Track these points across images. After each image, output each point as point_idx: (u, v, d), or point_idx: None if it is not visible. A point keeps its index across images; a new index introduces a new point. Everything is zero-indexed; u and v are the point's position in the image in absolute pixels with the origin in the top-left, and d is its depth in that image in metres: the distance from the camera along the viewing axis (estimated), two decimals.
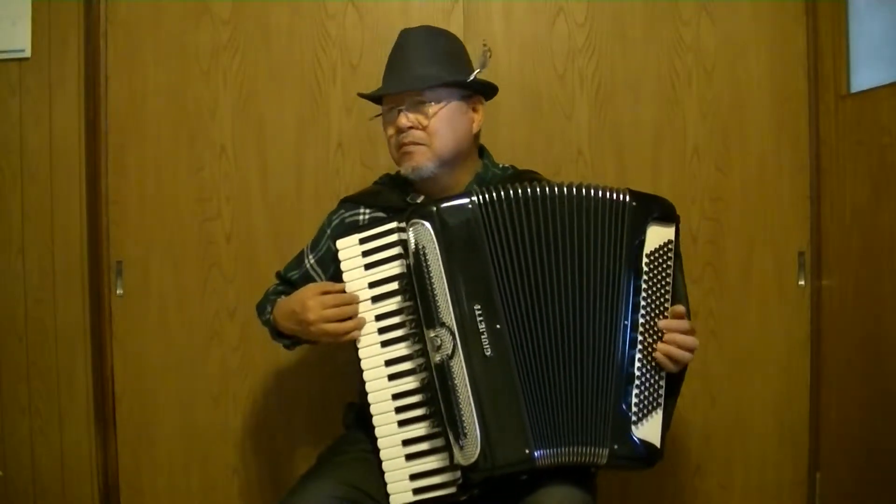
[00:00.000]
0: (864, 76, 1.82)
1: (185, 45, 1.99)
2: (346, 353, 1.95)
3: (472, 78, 1.48)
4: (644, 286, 1.31)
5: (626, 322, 1.29)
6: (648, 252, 1.32)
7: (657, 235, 1.33)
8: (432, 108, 1.45)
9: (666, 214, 1.35)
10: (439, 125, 1.45)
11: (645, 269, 1.31)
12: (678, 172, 1.98)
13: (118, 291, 2.01)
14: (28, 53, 1.93)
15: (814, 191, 1.96)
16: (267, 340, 1.95)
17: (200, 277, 2.00)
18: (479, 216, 1.30)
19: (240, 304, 2.00)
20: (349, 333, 1.36)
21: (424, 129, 1.45)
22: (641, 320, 1.30)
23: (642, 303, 1.30)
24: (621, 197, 1.32)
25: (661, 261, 1.32)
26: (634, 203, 1.32)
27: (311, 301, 1.38)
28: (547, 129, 1.98)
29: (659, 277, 1.32)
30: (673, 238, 1.34)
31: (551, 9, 1.98)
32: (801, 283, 1.97)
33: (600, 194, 1.32)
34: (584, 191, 1.32)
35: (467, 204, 1.30)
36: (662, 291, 1.32)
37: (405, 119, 1.46)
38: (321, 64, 1.99)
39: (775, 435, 1.99)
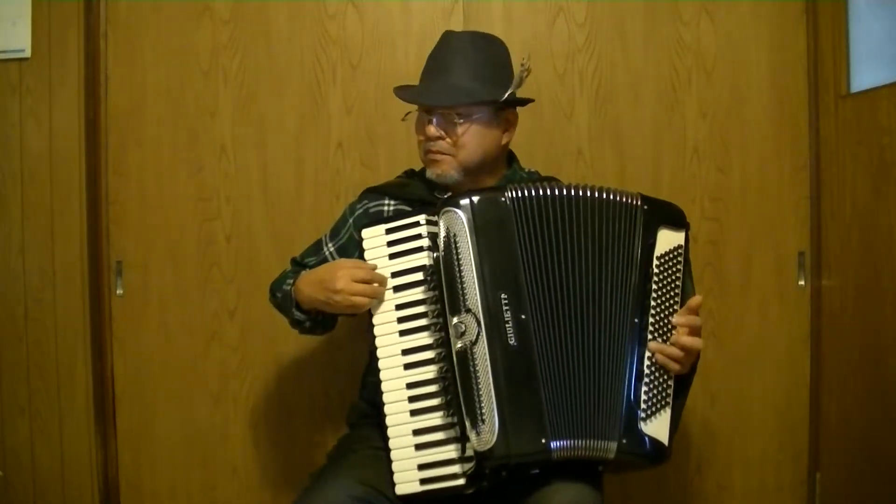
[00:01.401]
0: (864, 76, 1.82)
1: (185, 45, 1.98)
2: (347, 354, 1.97)
3: (505, 97, 1.47)
4: (654, 287, 1.33)
5: (636, 320, 1.32)
6: (659, 255, 1.35)
7: (667, 240, 1.36)
8: (462, 125, 1.46)
9: (676, 220, 1.39)
10: (467, 140, 1.47)
11: (655, 270, 1.34)
12: (678, 172, 1.98)
13: (118, 291, 2.01)
14: (28, 53, 1.93)
15: (814, 191, 1.96)
16: (267, 340, 1.97)
17: (200, 277, 2.00)
18: (511, 209, 1.32)
19: (240, 304, 2.00)
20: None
21: (452, 141, 1.47)
22: (651, 320, 1.32)
23: (652, 303, 1.33)
24: (633, 201, 1.36)
25: (670, 264, 1.35)
26: (646, 207, 1.36)
27: (342, 271, 1.39)
28: (547, 129, 1.98)
29: (668, 280, 1.35)
30: (683, 243, 1.38)
31: (551, 9, 1.98)
32: (801, 283, 1.97)
33: (615, 197, 1.35)
34: (602, 194, 1.35)
35: (499, 196, 1.33)
36: (672, 293, 1.35)
37: (433, 129, 1.47)
38: (321, 64, 1.99)
39: (775, 435, 1.99)
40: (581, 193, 1.34)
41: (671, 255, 1.36)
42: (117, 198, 2.01)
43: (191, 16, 1.98)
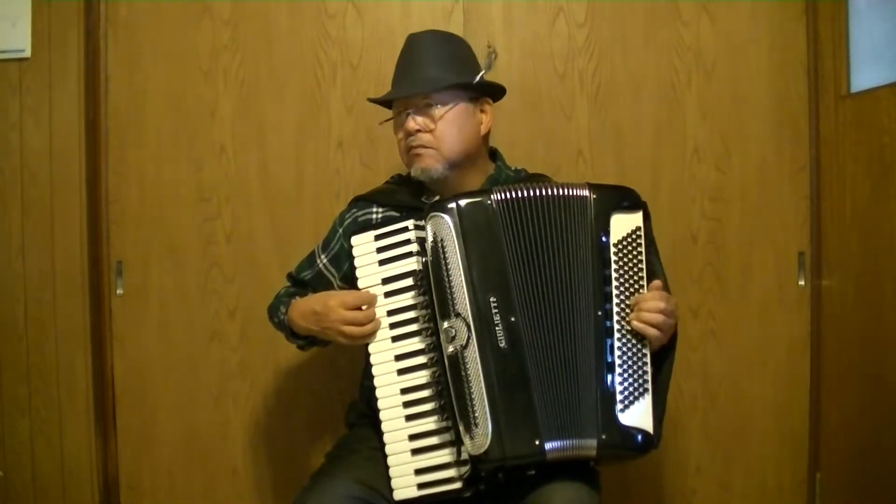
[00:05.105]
0: (864, 76, 1.82)
1: (186, 45, 1.99)
2: (347, 354, 1.96)
3: (477, 79, 1.49)
4: (615, 275, 1.33)
5: (599, 312, 1.32)
6: (616, 241, 1.35)
7: (623, 224, 1.36)
8: (439, 111, 1.47)
9: (629, 203, 1.38)
10: (446, 128, 1.48)
11: (613, 258, 1.34)
12: (678, 172, 1.98)
13: (118, 291, 2.01)
14: (28, 53, 1.93)
15: (814, 191, 1.96)
16: (267, 340, 1.97)
17: (200, 277, 2.00)
18: (497, 212, 1.33)
19: (240, 304, 2.00)
20: (365, 337, 1.38)
21: (432, 132, 1.48)
22: (616, 308, 1.32)
23: (615, 291, 1.33)
24: (582, 192, 1.36)
25: (630, 248, 1.35)
26: (594, 196, 1.36)
27: (332, 301, 1.41)
28: (547, 129, 1.98)
29: (630, 265, 1.34)
30: (641, 224, 1.37)
31: (551, 9, 1.98)
32: (801, 283, 1.97)
33: (570, 192, 1.35)
34: (560, 190, 1.35)
35: (485, 199, 1.34)
36: (636, 278, 1.34)
37: (413, 122, 1.48)
38: (321, 64, 1.99)
39: (775, 435, 1.99)
40: (553, 192, 1.35)
41: (630, 239, 1.35)
42: (117, 198, 2.01)
43: (191, 16, 1.98)
